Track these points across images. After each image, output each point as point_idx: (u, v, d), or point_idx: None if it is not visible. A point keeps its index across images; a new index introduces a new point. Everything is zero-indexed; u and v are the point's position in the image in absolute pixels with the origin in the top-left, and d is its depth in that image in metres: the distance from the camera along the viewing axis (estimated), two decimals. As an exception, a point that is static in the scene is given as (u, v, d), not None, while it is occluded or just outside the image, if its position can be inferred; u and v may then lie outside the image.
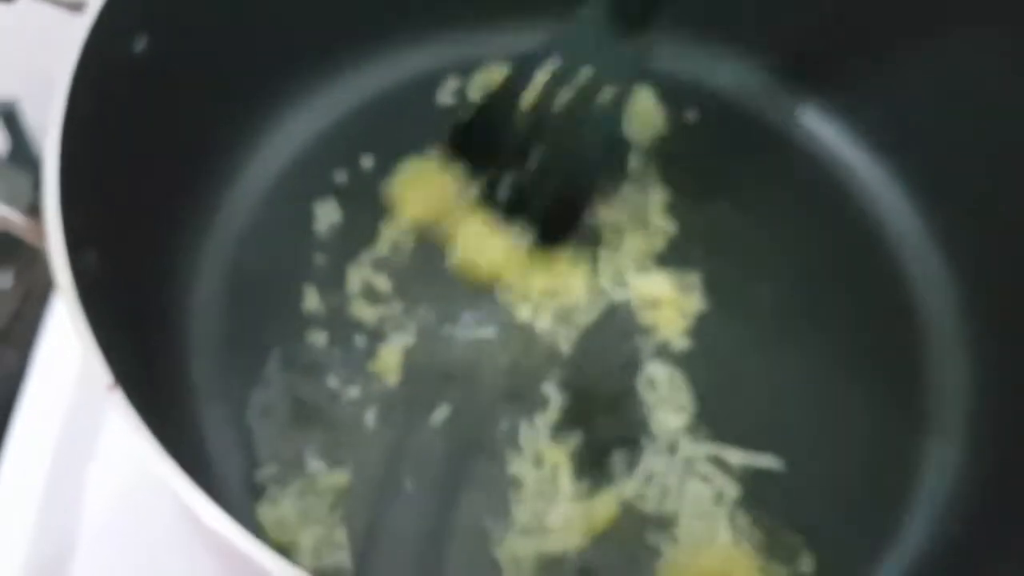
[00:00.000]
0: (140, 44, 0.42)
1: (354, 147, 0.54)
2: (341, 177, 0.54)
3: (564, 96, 0.49)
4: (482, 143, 0.51)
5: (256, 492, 0.45)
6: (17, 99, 0.61)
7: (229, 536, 0.30)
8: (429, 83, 0.56)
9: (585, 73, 0.48)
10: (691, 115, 0.57)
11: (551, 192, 0.50)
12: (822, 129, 0.57)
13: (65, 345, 0.52)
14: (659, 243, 0.53)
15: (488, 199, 0.51)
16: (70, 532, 0.48)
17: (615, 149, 0.54)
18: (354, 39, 0.54)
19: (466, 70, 0.57)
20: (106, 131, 0.40)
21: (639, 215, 0.54)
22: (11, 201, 0.41)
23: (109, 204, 0.38)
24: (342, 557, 0.44)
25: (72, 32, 0.39)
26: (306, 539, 0.45)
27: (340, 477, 0.46)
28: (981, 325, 0.51)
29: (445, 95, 0.57)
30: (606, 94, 0.48)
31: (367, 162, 0.54)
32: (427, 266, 0.52)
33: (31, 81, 0.58)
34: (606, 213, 0.53)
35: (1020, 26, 0.48)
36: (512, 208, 0.51)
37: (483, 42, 0.57)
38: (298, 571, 0.29)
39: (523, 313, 0.51)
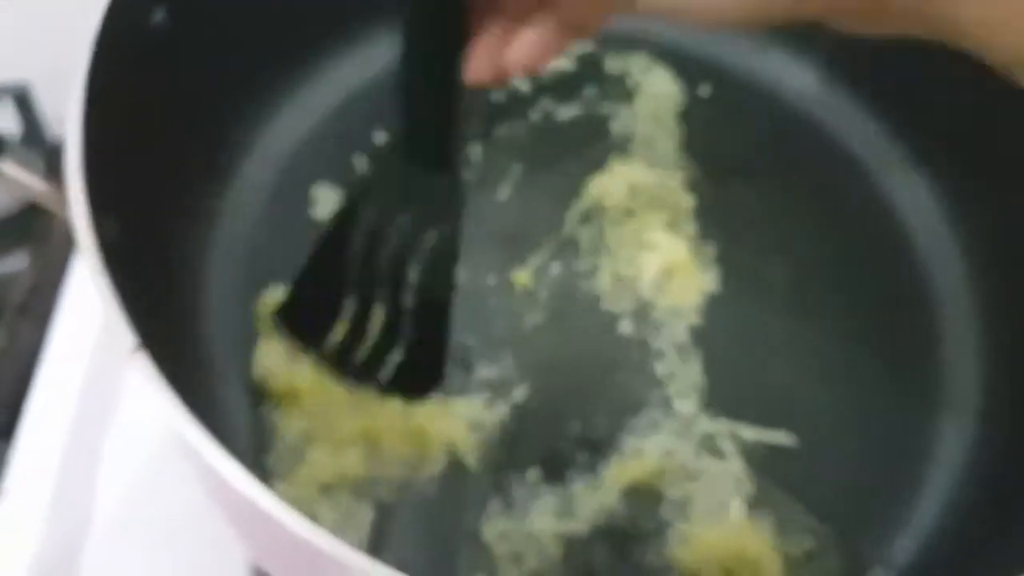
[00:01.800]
0: (158, 15, 0.42)
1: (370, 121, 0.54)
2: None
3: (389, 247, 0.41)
4: (312, 316, 0.43)
5: (271, 469, 0.45)
6: (29, 82, 0.61)
7: (255, 497, 0.29)
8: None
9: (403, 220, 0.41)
10: (704, 90, 0.57)
11: (405, 346, 0.42)
12: (837, 105, 0.57)
13: (81, 318, 0.52)
14: (676, 220, 0.53)
15: (339, 370, 0.44)
16: (87, 503, 0.49)
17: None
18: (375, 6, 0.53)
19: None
20: (126, 101, 0.40)
21: (656, 194, 0.54)
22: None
23: (128, 173, 0.38)
24: (362, 533, 0.44)
25: (86, 11, 0.39)
26: (326, 514, 0.44)
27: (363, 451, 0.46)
28: (993, 300, 0.51)
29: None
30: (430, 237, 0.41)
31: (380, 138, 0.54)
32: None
33: (42, 64, 0.59)
34: (620, 194, 0.53)
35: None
36: (367, 374, 0.43)
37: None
38: (321, 532, 0.29)
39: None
